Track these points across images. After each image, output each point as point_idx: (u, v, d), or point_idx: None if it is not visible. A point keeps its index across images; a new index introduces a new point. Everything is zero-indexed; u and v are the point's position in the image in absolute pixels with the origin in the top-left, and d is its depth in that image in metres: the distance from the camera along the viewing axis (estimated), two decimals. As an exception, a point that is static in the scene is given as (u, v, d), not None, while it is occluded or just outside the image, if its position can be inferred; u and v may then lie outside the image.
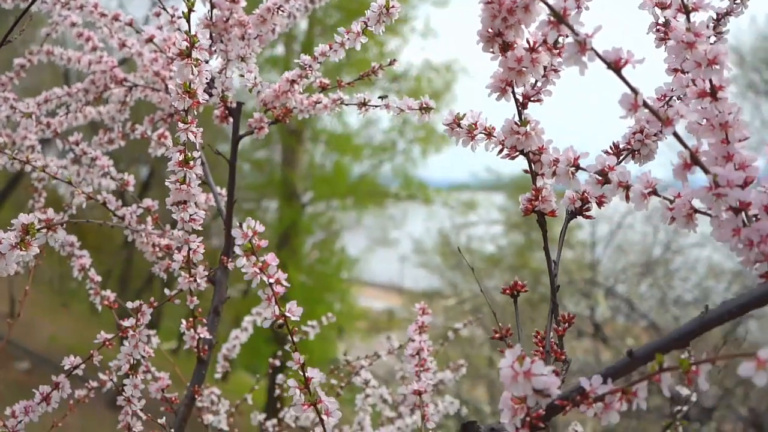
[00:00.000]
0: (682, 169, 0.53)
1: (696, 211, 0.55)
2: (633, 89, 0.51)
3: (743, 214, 0.53)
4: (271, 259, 0.64)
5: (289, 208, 10.85)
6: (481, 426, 0.59)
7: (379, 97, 0.94)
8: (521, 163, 0.67)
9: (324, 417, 0.66)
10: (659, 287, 6.96)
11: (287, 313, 0.64)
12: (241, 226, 0.62)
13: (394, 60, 1.02)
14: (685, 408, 1.10)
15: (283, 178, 11.08)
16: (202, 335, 0.98)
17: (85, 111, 1.36)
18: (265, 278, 0.63)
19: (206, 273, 0.93)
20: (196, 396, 1.00)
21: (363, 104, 0.96)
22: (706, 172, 0.52)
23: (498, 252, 9.89)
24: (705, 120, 0.56)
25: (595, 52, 0.51)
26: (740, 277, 6.93)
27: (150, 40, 1.06)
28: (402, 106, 0.88)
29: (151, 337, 1.27)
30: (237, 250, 0.62)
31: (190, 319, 0.97)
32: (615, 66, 0.51)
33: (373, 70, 1.04)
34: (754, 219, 0.54)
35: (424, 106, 0.84)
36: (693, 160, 0.52)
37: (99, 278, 1.11)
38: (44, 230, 0.67)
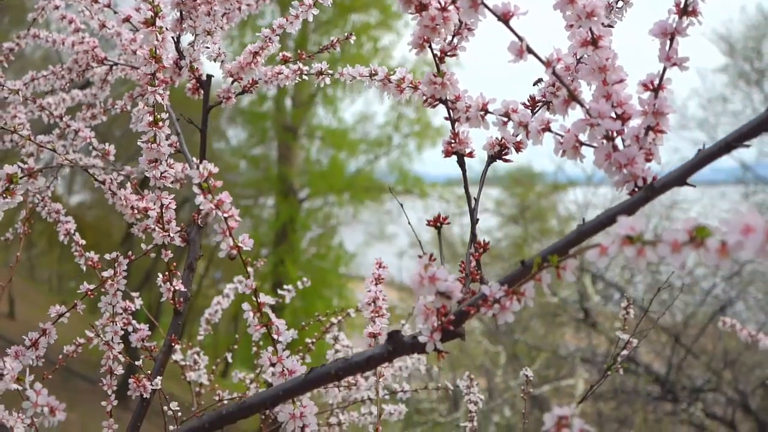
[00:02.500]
0: (563, 104, 0.62)
1: (581, 143, 0.64)
2: (519, 38, 0.61)
3: (617, 141, 0.62)
4: (225, 197, 0.73)
5: (286, 205, 10.94)
6: (405, 334, 0.68)
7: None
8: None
9: (275, 336, 0.75)
10: (650, 273, 7.08)
11: (240, 244, 0.73)
12: (198, 168, 0.71)
13: (351, 34, 1.12)
14: (625, 352, 1.19)
15: (280, 174, 11.18)
16: (177, 288, 1.07)
17: (72, 93, 1.45)
18: (220, 213, 0.72)
19: (179, 228, 1.02)
20: (173, 344, 1.10)
21: (320, 73, 1.05)
22: (582, 106, 0.61)
23: (494, 244, 10.01)
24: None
25: (486, 6, 0.60)
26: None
27: (127, 19, 1.14)
28: (354, 74, 0.97)
29: (134, 298, 1.37)
30: (195, 188, 0.72)
31: (166, 273, 1.07)
32: (504, 18, 0.60)
33: (332, 44, 1.13)
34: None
35: (372, 72, 0.93)
36: (571, 97, 0.62)
37: (83, 241, 1.19)
38: (26, 178, 0.76)
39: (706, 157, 0.56)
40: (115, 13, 1.20)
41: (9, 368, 0.73)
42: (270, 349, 0.75)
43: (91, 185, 1.40)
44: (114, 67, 1.31)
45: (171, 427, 1.07)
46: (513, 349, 6.62)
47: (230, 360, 1.49)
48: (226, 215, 0.72)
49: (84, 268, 1.17)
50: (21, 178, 0.75)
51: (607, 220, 0.59)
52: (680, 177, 0.57)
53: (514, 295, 0.60)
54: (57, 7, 1.29)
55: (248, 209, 11.24)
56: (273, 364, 0.73)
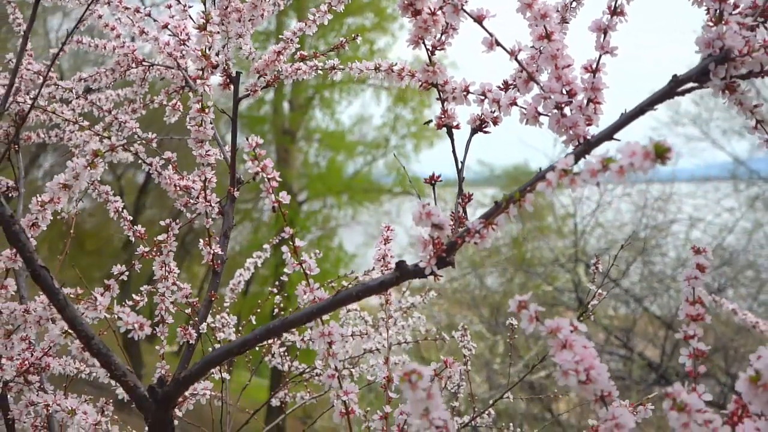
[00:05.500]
0: (524, 83, 0.83)
1: (539, 113, 0.85)
2: (490, 34, 0.81)
3: (565, 110, 0.83)
4: (269, 162, 0.93)
5: (286, 207, 11.13)
6: (409, 264, 0.88)
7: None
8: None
9: (308, 272, 0.95)
10: (644, 263, 7.31)
11: (280, 199, 0.94)
12: (247, 138, 0.92)
13: (357, 35, 1.32)
14: (595, 302, 1.39)
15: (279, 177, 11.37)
16: (215, 251, 1.27)
17: (106, 93, 1.66)
18: (265, 175, 0.92)
19: (219, 200, 1.23)
20: (212, 299, 1.30)
21: (332, 68, 1.25)
22: (538, 84, 0.82)
23: (493, 242, 10.22)
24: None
25: (465, 11, 0.81)
26: (719, 250, 7.26)
27: (165, 26, 1.35)
28: (361, 68, 1.17)
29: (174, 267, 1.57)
30: (244, 156, 0.92)
31: (206, 238, 1.27)
32: (478, 19, 0.81)
33: (341, 44, 1.34)
34: (576, 117, 0.84)
35: (377, 66, 1.14)
36: (529, 78, 0.82)
37: (131, 218, 1.40)
38: (109, 152, 0.96)
39: (627, 118, 0.77)
40: (155, 21, 1.40)
41: (100, 301, 0.93)
42: (303, 282, 0.96)
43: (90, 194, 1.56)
44: (151, 68, 1.52)
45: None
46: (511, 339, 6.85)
47: (254, 322, 1.70)
48: (269, 177, 0.93)
49: (133, 238, 1.37)
50: (105, 152, 0.95)
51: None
52: (608, 134, 0.77)
53: (490, 226, 0.80)
54: (101, 17, 1.50)
55: (248, 212, 11.44)
56: (305, 294, 0.94)
